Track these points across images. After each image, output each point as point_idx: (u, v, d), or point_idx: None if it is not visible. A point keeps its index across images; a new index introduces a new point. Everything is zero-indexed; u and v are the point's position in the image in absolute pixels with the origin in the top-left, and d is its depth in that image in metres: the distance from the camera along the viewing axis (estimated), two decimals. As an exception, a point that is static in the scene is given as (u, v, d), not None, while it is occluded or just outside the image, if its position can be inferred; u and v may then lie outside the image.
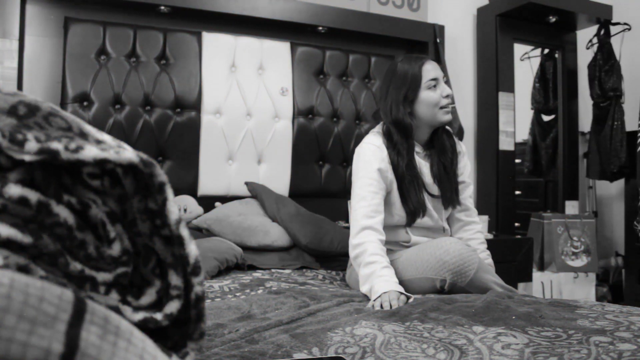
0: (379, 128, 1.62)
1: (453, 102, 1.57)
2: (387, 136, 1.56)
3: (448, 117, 1.56)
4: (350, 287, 1.62)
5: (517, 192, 2.97)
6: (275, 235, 1.96)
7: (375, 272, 1.36)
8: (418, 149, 1.59)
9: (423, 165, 1.59)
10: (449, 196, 1.60)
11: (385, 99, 1.59)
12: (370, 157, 1.52)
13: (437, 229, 1.63)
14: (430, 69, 1.55)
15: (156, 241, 0.49)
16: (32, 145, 0.41)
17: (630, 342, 0.82)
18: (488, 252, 1.67)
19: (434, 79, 1.54)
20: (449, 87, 1.65)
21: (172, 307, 0.49)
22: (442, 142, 1.62)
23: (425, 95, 1.53)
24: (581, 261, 2.71)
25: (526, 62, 3.21)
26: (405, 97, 1.54)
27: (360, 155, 1.56)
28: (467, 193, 1.69)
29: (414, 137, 1.57)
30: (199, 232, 2.03)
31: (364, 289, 1.37)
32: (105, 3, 2.17)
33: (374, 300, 1.26)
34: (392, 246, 1.58)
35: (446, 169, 1.60)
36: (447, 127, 1.67)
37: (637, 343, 0.82)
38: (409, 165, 1.53)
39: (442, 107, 1.54)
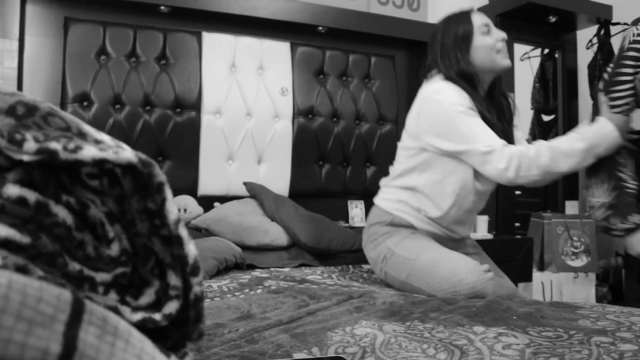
0: (440, 77, 1.51)
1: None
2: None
3: (507, 61, 1.51)
4: (387, 282, 1.56)
5: (517, 192, 2.96)
6: (275, 234, 1.96)
7: (573, 144, 1.32)
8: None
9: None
10: None
11: (442, 53, 1.52)
12: (456, 98, 1.41)
13: (480, 206, 1.57)
14: (479, 16, 1.52)
15: (155, 241, 0.48)
16: (30, 145, 0.41)
17: (632, 343, 0.82)
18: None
19: (486, 25, 1.51)
20: None
21: (171, 307, 0.49)
22: (499, 101, 1.58)
23: (481, 41, 1.49)
24: (581, 261, 2.71)
25: (526, 62, 3.21)
26: (461, 47, 1.49)
27: (440, 102, 1.43)
28: (519, 136, 1.64)
29: (478, 87, 1.51)
30: (198, 232, 2.03)
31: (583, 154, 1.33)
32: (105, 3, 2.17)
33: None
34: (415, 219, 1.52)
35: (504, 127, 1.55)
36: (504, 91, 1.63)
37: (638, 343, 0.82)
38: (484, 111, 1.45)
39: (498, 51, 1.50)
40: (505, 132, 1.53)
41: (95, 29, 2.10)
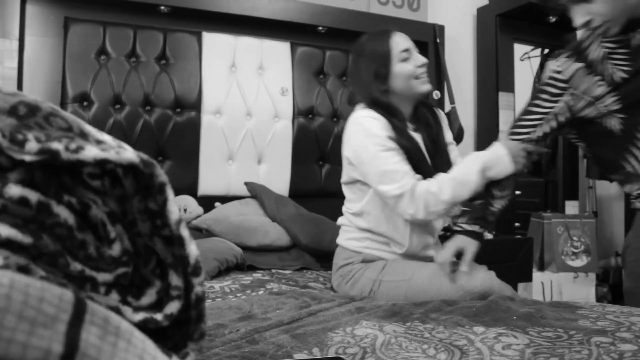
0: (362, 106, 1.48)
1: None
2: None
3: (426, 87, 1.47)
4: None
5: (517, 192, 2.96)
6: (275, 235, 1.96)
7: (469, 170, 1.31)
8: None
9: (417, 137, 1.50)
10: (445, 171, 1.48)
11: (358, 80, 1.49)
12: (374, 128, 1.39)
13: (437, 225, 1.55)
14: (399, 41, 1.46)
15: (156, 241, 0.48)
16: (32, 145, 0.41)
17: (632, 343, 0.82)
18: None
19: (406, 50, 1.46)
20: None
21: (173, 307, 0.49)
22: (425, 118, 1.54)
23: (399, 68, 1.44)
24: (581, 261, 2.71)
25: (526, 62, 3.20)
26: (378, 74, 1.44)
27: (358, 133, 1.41)
28: (454, 154, 1.60)
29: (397, 114, 1.47)
30: (198, 232, 2.03)
31: (478, 177, 1.31)
32: (105, 3, 2.17)
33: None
34: (386, 248, 1.50)
35: (435, 144, 1.53)
36: (425, 100, 1.59)
37: (638, 343, 0.82)
38: (408, 137, 1.44)
39: (417, 78, 1.46)
40: (433, 156, 1.50)
41: (95, 29, 2.10)
